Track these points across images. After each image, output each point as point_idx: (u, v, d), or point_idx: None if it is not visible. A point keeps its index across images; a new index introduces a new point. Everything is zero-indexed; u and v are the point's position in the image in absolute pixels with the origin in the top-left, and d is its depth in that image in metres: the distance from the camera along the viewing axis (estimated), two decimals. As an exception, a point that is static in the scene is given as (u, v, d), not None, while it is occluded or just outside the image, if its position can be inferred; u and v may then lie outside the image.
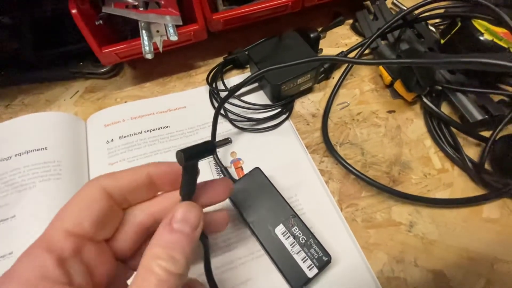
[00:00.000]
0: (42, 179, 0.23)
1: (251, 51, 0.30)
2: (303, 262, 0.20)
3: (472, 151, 0.27)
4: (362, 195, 0.26)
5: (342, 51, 0.33)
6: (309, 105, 0.31)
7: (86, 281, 0.13)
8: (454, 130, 0.28)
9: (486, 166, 0.26)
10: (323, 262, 0.20)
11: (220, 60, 0.34)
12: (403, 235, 0.24)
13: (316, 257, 0.20)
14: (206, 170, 0.26)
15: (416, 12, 0.33)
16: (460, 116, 0.29)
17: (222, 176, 0.25)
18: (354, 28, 0.37)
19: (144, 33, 0.26)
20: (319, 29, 0.35)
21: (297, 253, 0.20)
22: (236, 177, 0.25)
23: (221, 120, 0.29)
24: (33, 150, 0.24)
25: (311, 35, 0.31)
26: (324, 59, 0.28)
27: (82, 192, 0.15)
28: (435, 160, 0.27)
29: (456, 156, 0.27)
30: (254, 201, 0.22)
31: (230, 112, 0.29)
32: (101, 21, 0.27)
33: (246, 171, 0.26)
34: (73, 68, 0.32)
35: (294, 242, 0.21)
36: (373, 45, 0.33)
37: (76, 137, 0.27)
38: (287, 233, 0.21)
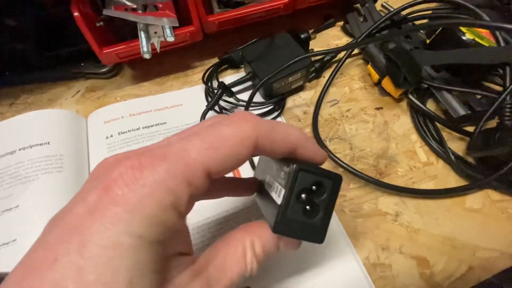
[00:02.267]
0: (45, 171, 0.24)
1: (244, 51, 0.32)
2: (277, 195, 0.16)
3: (455, 145, 0.29)
4: (350, 186, 0.27)
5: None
6: (300, 102, 0.32)
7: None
8: (438, 125, 0.29)
9: (469, 158, 0.28)
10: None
11: (215, 60, 0.35)
12: (389, 224, 0.25)
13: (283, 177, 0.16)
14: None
15: (403, 13, 0.35)
16: (444, 112, 0.31)
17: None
18: (345, 30, 0.38)
19: (142, 34, 0.28)
20: (311, 31, 0.37)
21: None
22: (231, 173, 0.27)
23: (216, 117, 0.31)
24: (37, 144, 0.26)
25: (302, 36, 0.33)
26: (310, 55, 0.29)
27: (236, 133, 0.12)
28: (420, 153, 0.29)
29: (440, 150, 0.28)
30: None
31: (224, 109, 0.31)
32: (101, 23, 0.28)
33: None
34: (74, 68, 0.34)
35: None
36: (362, 45, 0.35)
37: (77, 133, 0.28)
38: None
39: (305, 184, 0.13)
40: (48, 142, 0.26)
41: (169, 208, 0.11)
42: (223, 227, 0.24)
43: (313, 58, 0.34)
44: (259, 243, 0.14)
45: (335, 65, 0.34)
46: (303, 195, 0.14)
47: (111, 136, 0.28)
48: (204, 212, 0.24)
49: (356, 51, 0.36)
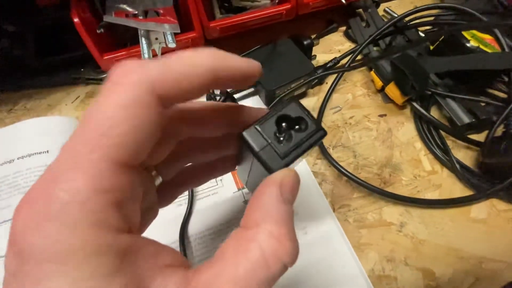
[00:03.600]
0: (44, 181, 0.24)
1: (246, 57, 0.31)
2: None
3: (460, 154, 0.28)
4: (354, 196, 0.26)
5: (335, 57, 0.34)
6: (303, 109, 0.32)
7: (138, 217, 0.11)
8: (443, 133, 0.29)
9: (473, 167, 0.27)
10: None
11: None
12: (393, 235, 0.24)
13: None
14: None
15: (407, 19, 0.35)
16: (449, 120, 0.30)
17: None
18: (347, 35, 0.38)
19: (143, 41, 0.27)
20: (313, 36, 0.36)
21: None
22: (234, 183, 0.26)
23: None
24: (35, 153, 0.25)
25: (305, 42, 0.32)
26: (321, 75, 0.29)
27: (123, 98, 0.09)
28: (425, 162, 0.28)
29: (445, 158, 0.28)
30: None
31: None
32: (102, 30, 0.28)
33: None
34: (74, 74, 0.33)
35: None
36: (365, 51, 0.34)
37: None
38: None
39: (291, 112, 0.13)
40: (48, 151, 0.26)
41: (93, 229, 0.09)
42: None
43: (316, 64, 0.33)
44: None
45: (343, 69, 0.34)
46: (283, 123, 0.13)
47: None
48: (207, 222, 0.24)
49: (359, 57, 0.36)
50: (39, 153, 0.25)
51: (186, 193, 0.25)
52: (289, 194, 0.12)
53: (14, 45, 0.32)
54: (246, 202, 0.25)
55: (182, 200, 0.25)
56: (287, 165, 0.13)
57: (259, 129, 0.13)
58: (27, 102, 0.33)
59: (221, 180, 0.26)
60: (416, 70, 0.28)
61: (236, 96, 0.31)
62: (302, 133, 0.13)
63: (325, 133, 0.14)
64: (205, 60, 0.11)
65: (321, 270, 0.22)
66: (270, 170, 0.13)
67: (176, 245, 0.23)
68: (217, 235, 0.24)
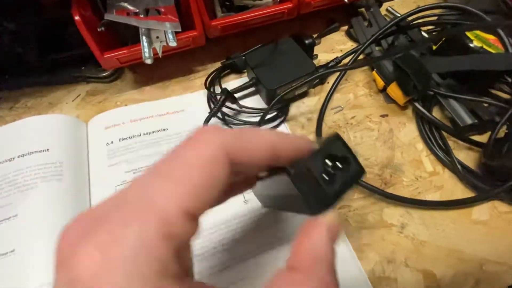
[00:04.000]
0: (44, 179, 0.24)
1: (248, 56, 0.31)
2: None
3: (462, 155, 0.28)
4: (355, 197, 0.26)
5: (337, 57, 0.33)
6: (304, 109, 0.32)
7: (192, 261, 0.12)
8: (445, 134, 0.29)
9: (475, 169, 0.27)
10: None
11: (218, 65, 0.34)
12: (394, 236, 0.24)
13: None
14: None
15: (409, 19, 0.34)
16: (451, 120, 0.30)
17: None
18: (349, 34, 0.38)
19: (144, 39, 0.27)
20: (315, 35, 0.36)
21: None
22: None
23: (218, 123, 0.30)
24: (36, 151, 0.25)
25: (306, 42, 0.32)
26: (322, 73, 0.29)
27: (203, 154, 0.10)
28: (426, 163, 0.28)
29: (446, 159, 0.28)
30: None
31: (227, 116, 0.30)
32: (103, 28, 0.27)
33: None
34: (75, 72, 0.33)
35: None
36: (367, 51, 0.34)
37: (77, 139, 0.28)
38: None
39: (337, 151, 0.13)
40: (48, 149, 0.26)
41: (158, 276, 0.09)
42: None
43: (317, 64, 0.33)
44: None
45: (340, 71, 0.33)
46: (328, 161, 0.13)
47: (112, 142, 0.28)
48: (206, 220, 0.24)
49: (360, 56, 0.35)
50: (40, 151, 0.25)
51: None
52: (336, 238, 0.12)
53: (16, 43, 0.32)
54: (246, 202, 0.25)
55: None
56: (333, 207, 0.13)
57: (307, 168, 0.13)
58: (28, 100, 0.33)
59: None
60: (418, 70, 0.28)
61: (236, 95, 0.31)
62: (346, 174, 0.13)
63: (364, 173, 0.14)
64: (269, 137, 0.12)
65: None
66: (316, 212, 0.13)
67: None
68: (217, 233, 0.24)
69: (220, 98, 0.29)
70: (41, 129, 0.27)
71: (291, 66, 0.30)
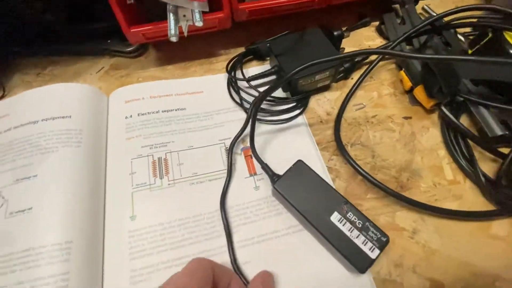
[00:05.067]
0: (65, 145, 0.25)
1: (272, 43, 0.30)
2: (364, 245, 0.21)
3: (487, 166, 0.27)
4: (368, 196, 0.26)
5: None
6: (324, 102, 0.31)
7: None
8: (471, 143, 0.28)
9: (500, 182, 0.26)
10: (383, 242, 0.21)
11: (241, 50, 0.34)
12: (404, 241, 0.24)
13: (375, 238, 0.21)
14: (217, 156, 0.27)
15: (446, 19, 0.33)
16: (478, 129, 0.29)
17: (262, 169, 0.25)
18: (380, 31, 0.36)
19: (171, 16, 0.27)
20: (343, 28, 0.35)
21: (356, 237, 0.21)
22: (246, 168, 0.26)
23: (235, 108, 0.30)
24: (59, 117, 0.26)
25: (335, 33, 0.31)
26: (352, 54, 0.27)
27: (199, 269, 0.18)
28: (447, 170, 0.27)
29: (469, 170, 0.26)
30: (303, 192, 0.23)
31: (245, 101, 0.30)
32: (132, 1, 0.28)
33: (254, 160, 0.26)
34: (101, 44, 0.34)
35: (351, 227, 0.21)
36: (397, 49, 0.33)
37: (98, 110, 0.28)
38: (343, 219, 0.21)
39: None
40: (70, 116, 0.26)
41: None
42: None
43: (343, 58, 0.32)
44: None
45: (366, 67, 0.32)
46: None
47: (131, 116, 0.28)
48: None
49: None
50: (63, 117, 0.26)
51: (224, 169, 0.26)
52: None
53: (47, 11, 0.33)
54: (256, 188, 0.25)
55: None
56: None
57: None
58: (54, 68, 0.34)
59: (234, 164, 0.26)
60: (447, 73, 0.27)
61: (253, 83, 0.31)
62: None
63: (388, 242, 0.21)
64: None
65: (325, 270, 0.22)
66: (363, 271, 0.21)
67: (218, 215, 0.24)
68: (229, 216, 0.24)
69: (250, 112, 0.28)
70: (65, 97, 0.27)
71: (316, 56, 0.29)
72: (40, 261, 0.20)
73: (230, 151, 0.26)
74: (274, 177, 0.24)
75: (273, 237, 0.23)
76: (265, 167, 0.25)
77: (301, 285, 0.21)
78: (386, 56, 0.33)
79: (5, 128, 0.26)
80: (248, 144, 0.28)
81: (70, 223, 0.21)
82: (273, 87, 0.25)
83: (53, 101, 0.27)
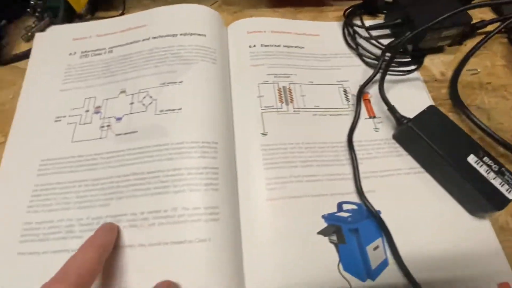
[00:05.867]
0: (203, 59, 0.26)
1: None
2: (501, 186, 0.21)
3: None
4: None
5: (483, 20, 0.32)
6: (438, 63, 0.31)
7: None
8: None
9: None
10: None
11: (353, 3, 0.34)
12: (519, 198, 0.24)
13: (511, 182, 0.21)
14: (335, 95, 0.28)
15: None
16: None
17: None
18: None
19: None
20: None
21: (493, 179, 0.21)
22: (366, 111, 0.27)
23: (350, 54, 0.31)
24: (196, 34, 0.27)
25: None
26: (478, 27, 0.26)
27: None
28: None
29: None
30: (438, 133, 0.23)
31: (361, 47, 0.30)
32: None
33: (373, 105, 0.27)
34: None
35: (488, 169, 0.22)
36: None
37: (223, 35, 0.29)
38: (479, 161, 0.22)
39: None
40: (205, 35, 0.27)
41: None
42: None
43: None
44: None
45: (480, 38, 0.32)
46: None
47: (254, 46, 0.29)
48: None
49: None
50: (199, 34, 0.27)
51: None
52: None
53: None
54: (376, 129, 0.26)
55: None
56: None
57: None
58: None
59: (352, 104, 0.27)
60: None
61: (374, 33, 0.31)
62: None
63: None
64: None
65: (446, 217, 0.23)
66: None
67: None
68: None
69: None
70: (199, 17, 0.28)
71: (447, 10, 0.29)
72: (193, 153, 0.22)
73: (359, 94, 0.27)
74: (402, 119, 0.25)
75: (395, 174, 0.24)
76: (393, 109, 0.25)
77: (421, 222, 0.22)
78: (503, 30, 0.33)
79: (143, 37, 0.28)
80: (366, 90, 0.28)
81: (216, 127, 0.23)
82: (408, 36, 0.25)
83: (189, 19, 0.28)
